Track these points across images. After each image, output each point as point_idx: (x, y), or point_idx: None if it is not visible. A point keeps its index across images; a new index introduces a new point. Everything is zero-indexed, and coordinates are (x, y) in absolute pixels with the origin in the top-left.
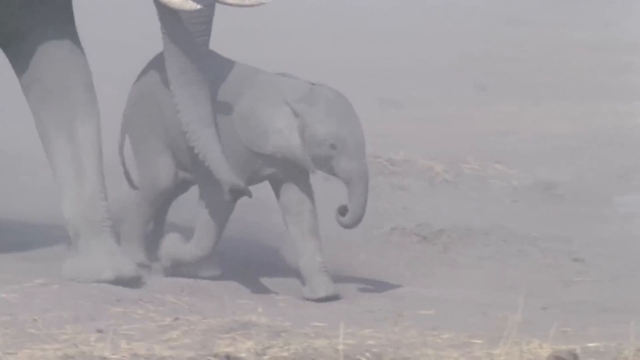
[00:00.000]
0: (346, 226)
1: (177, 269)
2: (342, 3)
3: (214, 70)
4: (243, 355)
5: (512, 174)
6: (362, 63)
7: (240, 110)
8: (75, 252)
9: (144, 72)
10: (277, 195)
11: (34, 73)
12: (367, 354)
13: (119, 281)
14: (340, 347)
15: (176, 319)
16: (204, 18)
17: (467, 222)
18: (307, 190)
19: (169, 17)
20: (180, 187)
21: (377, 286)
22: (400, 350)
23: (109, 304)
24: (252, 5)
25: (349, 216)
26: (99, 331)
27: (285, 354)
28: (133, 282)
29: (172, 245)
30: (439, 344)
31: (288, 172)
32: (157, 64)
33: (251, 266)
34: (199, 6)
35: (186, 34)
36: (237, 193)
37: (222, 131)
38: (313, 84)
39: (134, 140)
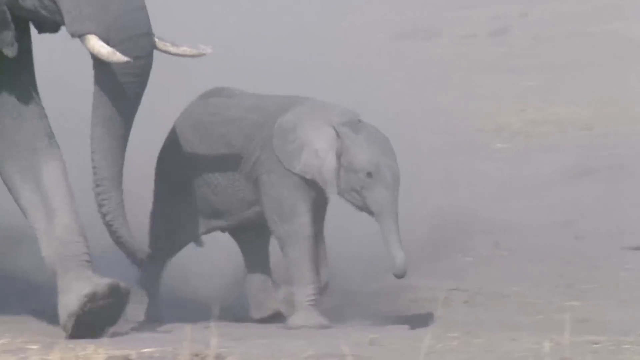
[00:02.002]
0: (400, 275)
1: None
2: None
3: (240, 104)
4: None
5: None
6: None
7: (282, 123)
8: (58, 293)
9: (177, 122)
10: None
11: None
12: None
13: (95, 293)
14: None
15: None
16: (138, 70)
17: None
18: (324, 214)
19: (102, 66)
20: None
21: None
22: None
23: None
24: (192, 56)
25: (397, 263)
26: None
27: None
28: (111, 292)
29: (285, 294)
30: None
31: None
32: (188, 113)
33: None
34: (126, 58)
35: (117, 84)
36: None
37: (268, 161)
38: (361, 119)
39: (159, 192)
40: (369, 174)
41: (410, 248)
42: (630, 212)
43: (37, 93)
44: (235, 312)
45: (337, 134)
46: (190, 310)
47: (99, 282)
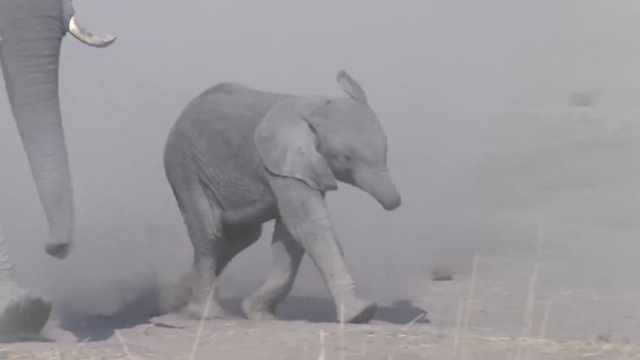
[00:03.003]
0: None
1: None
2: None
3: (238, 101)
4: None
5: None
6: None
7: (260, 133)
8: None
9: (179, 117)
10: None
11: None
12: None
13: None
14: None
15: None
16: (45, 51)
17: None
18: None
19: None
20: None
21: None
22: None
23: None
24: (100, 45)
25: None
26: None
27: None
28: (35, 305)
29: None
30: None
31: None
32: (189, 108)
33: None
34: None
35: (25, 67)
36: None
37: (248, 160)
38: (329, 99)
39: (175, 188)
40: (347, 157)
41: None
42: None
43: None
44: None
45: (311, 126)
46: None
47: (21, 295)
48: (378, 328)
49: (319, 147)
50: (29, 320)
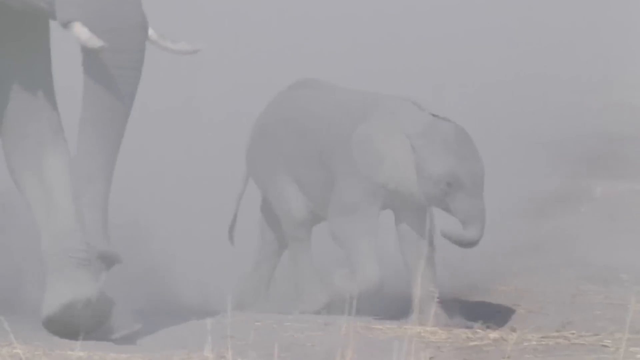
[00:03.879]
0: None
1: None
2: None
3: (326, 99)
4: None
5: None
6: None
7: (359, 134)
8: (46, 287)
9: (265, 111)
10: (396, 221)
11: (7, 120)
12: None
13: (75, 303)
14: None
15: None
16: (123, 63)
17: None
18: (425, 219)
19: (88, 59)
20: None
21: None
22: None
23: None
24: (187, 53)
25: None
26: None
27: None
28: (89, 304)
29: (341, 281)
30: None
31: (406, 201)
32: (274, 105)
33: None
34: (101, 43)
35: (104, 80)
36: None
37: (345, 157)
38: (435, 116)
39: (260, 180)
40: (449, 184)
41: None
42: None
43: (52, 87)
44: None
45: (412, 147)
46: None
47: (82, 292)
48: (265, 317)
49: (417, 169)
50: (86, 317)
